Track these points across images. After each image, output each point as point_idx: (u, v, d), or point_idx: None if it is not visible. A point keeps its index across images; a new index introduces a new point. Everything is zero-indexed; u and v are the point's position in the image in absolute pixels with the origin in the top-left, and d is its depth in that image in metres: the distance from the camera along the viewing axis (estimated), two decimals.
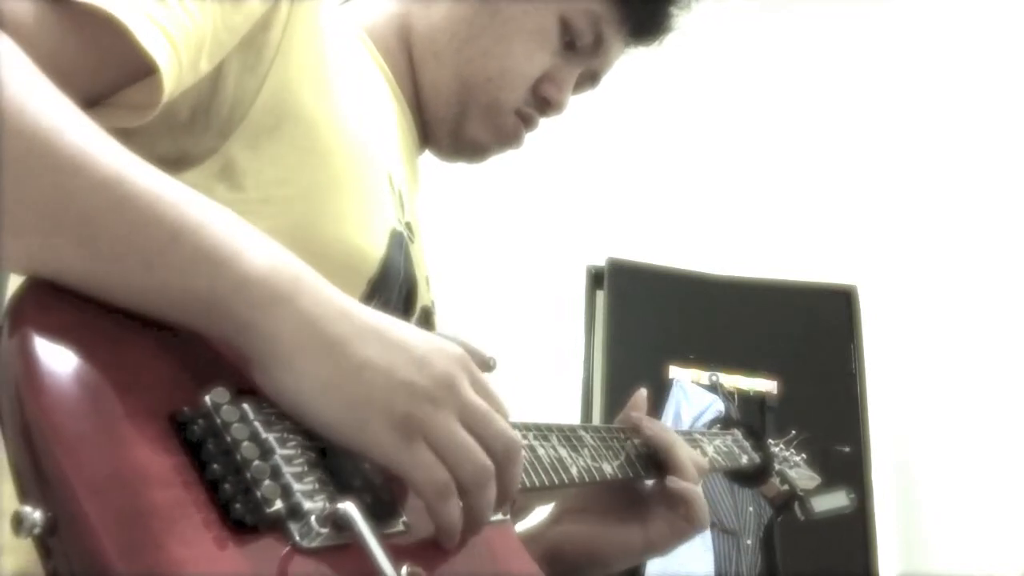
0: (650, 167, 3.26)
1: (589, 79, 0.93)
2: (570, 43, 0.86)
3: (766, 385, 2.86)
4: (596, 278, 3.07)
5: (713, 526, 2.59)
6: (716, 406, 2.74)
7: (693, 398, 2.77)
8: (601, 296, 3.00)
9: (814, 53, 3.31)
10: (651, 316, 2.95)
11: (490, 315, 2.88)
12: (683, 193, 3.24)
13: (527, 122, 0.89)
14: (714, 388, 2.82)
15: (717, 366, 2.86)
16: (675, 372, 2.84)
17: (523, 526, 0.87)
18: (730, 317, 2.96)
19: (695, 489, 0.86)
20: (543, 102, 0.88)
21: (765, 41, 3.32)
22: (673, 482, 0.86)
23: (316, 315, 0.51)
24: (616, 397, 2.78)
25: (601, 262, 3.00)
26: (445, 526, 0.53)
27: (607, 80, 0.95)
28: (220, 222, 0.50)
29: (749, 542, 2.61)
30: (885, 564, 2.73)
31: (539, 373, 2.75)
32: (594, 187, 3.19)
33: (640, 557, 0.88)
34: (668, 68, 3.04)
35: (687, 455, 0.88)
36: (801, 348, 2.93)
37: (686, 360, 2.87)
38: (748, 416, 2.77)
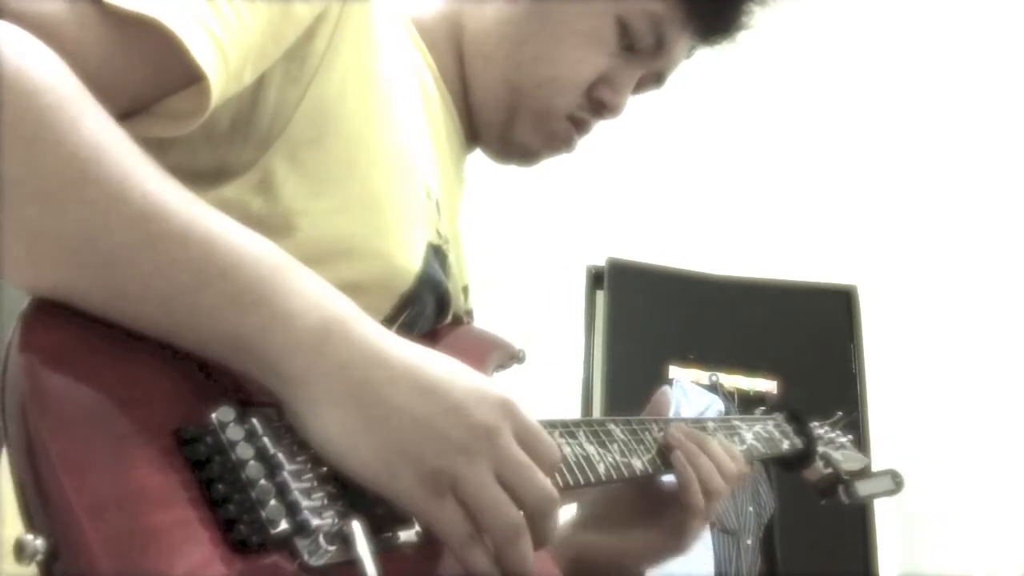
0: (650, 167, 3.26)
1: (654, 80, 0.88)
2: (629, 45, 0.82)
3: (766, 385, 2.86)
4: (596, 278, 3.06)
5: (713, 526, 2.59)
6: (716, 406, 2.74)
7: (693, 398, 2.76)
8: (601, 296, 3.00)
9: (815, 53, 3.31)
10: (651, 316, 2.95)
11: (490, 315, 2.88)
12: (683, 193, 3.24)
13: (580, 127, 0.86)
14: (714, 388, 2.81)
15: (717, 366, 2.85)
16: (675, 372, 2.84)
17: None
18: (730, 317, 2.95)
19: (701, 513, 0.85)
20: (599, 105, 0.84)
21: (766, 41, 3.31)
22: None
23: (345, 360, 0.49)
24: (616, 397, 2.78)
25: (601, 262, 3.00)
26: (474, 574, 0.52)
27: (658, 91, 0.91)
28: (250, 264, 0.49)
29: (749, 542, 2.61)
30: (885, 564, 2.73)
31: (539, 373, 2.75)
32: (594, 187, 3.19)
33: (662, 558, 0.88)
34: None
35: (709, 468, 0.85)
36: (801, 348, 2.93)
37: (686, 360, 2.87)
38: None
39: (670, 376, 2.83)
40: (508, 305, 3.03)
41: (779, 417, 1.08)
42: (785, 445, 1.04)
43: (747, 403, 2.81)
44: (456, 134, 0.87)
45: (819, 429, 1.13)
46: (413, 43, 0.82)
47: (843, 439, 1.15)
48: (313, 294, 0.51)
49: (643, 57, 0.83)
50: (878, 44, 3.24)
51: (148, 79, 0.55)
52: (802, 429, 1.08)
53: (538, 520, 0.54)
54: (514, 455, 0.53)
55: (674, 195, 3.23)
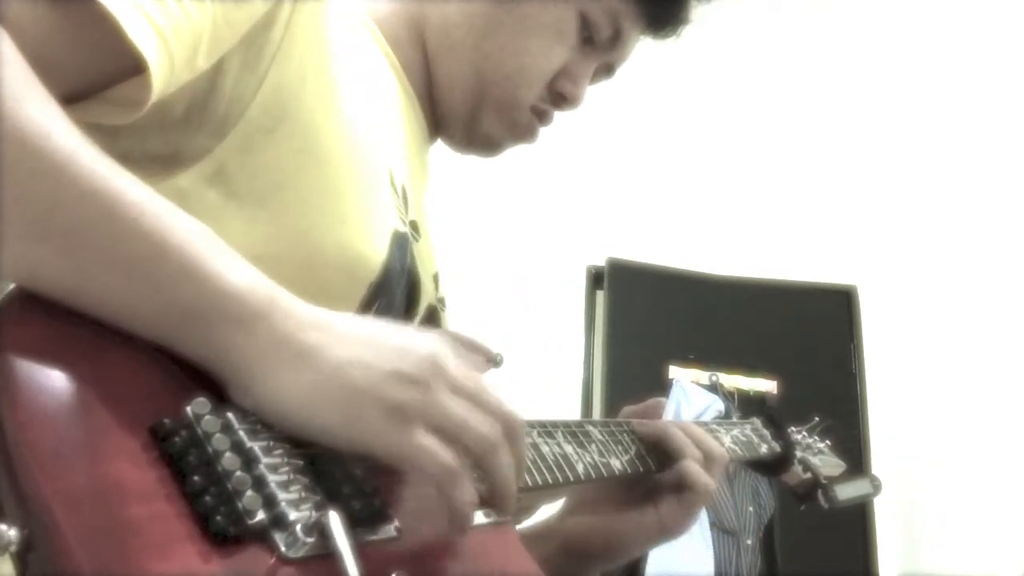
0: (650, 167, 3.26)
1: (604, 71, 0.92)
2: (588, 38, 0.85)
3: (766, 385, 2.86)
4: (596, 278, 3.06)
5: (713, 526, 2.59)
6: (716, 406, 2.74)
7: (693, 398, 2.76)
8: (601, 296, 3.00)
9: (815, 53, 3.31)
10: (651, 316, 2.95)
11: (490, 315, 2.88)
12: (683, 193, 3.24)
13: (542, 117, 0.89)
14: (714, 388, 2.81)
15: (717, 366, 2.85)
16: (675, 372, 2.84)
17: (532, 523, 0.87)
18: (730, 317, 2.95)
19: (690, 464, 0.85)
20: (559, 97, 0.87)
21: (765, 40, 3.31)
22: (674, 471, 0.86)
23: (290, 328, 0.51)
24: (616, 397, 2.78)
25: (601, 262, 3.00)
26: (457, 511, 0.53)
27: (608, 81, 0.95)
28: (202, 240, 0.50)
29: (749, 542, 2.61)
30: (885, 564, 2.73)
31: (539, 373, 2.75)
32: (594, 187, 3.19)
33: (657, 540, 0.88)
34: (669, 68, 3.04)
35: (679, 436, 0.87)
36: (801, 348, 2.93)
37: (686, 360, 2.86)
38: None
39: (670, 376, 2.82)
40: (508, 304, 3.03)
41: (757, 422, 1.09)
42: (763, 449, 1.05)
43: (747, 403, 2.81)
44: (418, 124, 0.88)
45: (797, 434, 1.14)
46: (372, 37, 0.84)
47: (821, 444, 1.16)
48: (256, 274, 0.52)
49: (600, 50, 0.87)
50: (878, 45, 3.24)
51: (92, 66, 0.56)
52: (780, 434, 1.09)
53: (510, 439, 0.56)
54: (465, 378, 0.55)
55: (674, 195, 3.23)
